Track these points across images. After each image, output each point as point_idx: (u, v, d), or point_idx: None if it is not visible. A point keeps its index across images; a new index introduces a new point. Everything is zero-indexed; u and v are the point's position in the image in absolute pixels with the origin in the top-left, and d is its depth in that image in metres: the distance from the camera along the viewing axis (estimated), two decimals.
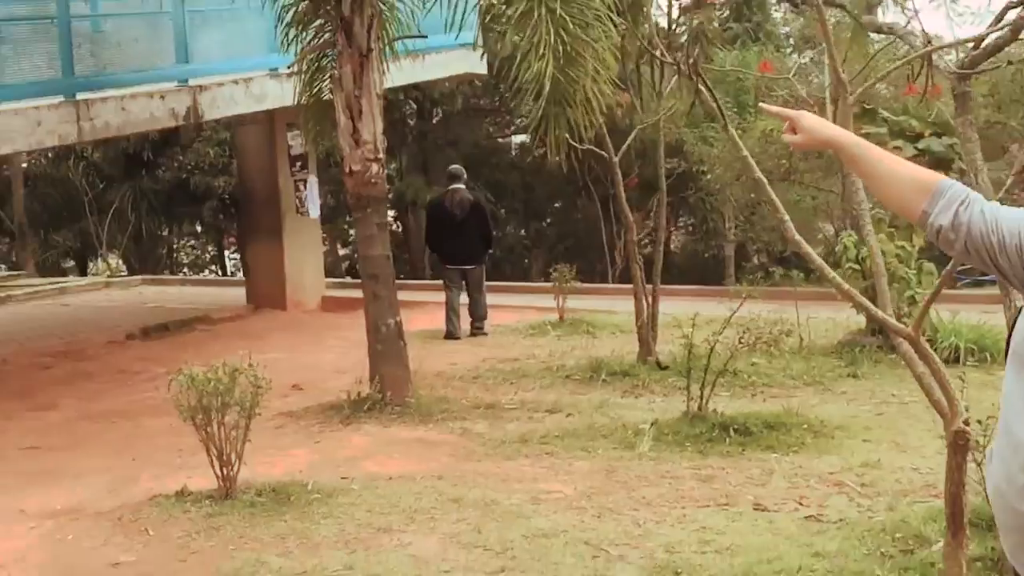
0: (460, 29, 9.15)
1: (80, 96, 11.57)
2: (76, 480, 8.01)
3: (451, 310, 13.69)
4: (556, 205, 28.12)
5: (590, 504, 6.86)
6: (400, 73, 12.70)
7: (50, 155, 27.00)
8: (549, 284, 14.64)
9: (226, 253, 31.11)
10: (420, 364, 10.95)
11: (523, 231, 28.76)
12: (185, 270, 30.55)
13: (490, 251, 14.84)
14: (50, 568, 6.19)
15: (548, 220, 28.58)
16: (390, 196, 26.22)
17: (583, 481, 7.36)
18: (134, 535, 6.61)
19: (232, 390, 6.98)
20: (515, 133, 27.96)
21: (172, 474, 7.59)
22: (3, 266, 28.39)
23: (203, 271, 30.86)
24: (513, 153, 28.07)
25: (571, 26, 7.95)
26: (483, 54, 11.15)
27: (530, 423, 9.06)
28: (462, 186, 14.02)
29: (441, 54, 15.45)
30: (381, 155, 9.82)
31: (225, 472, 7.08)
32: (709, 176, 18.62)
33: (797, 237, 4.04)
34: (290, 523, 6.65)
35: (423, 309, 15.05)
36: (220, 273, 30.03)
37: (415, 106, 26.66)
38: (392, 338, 9.83)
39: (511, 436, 8.64)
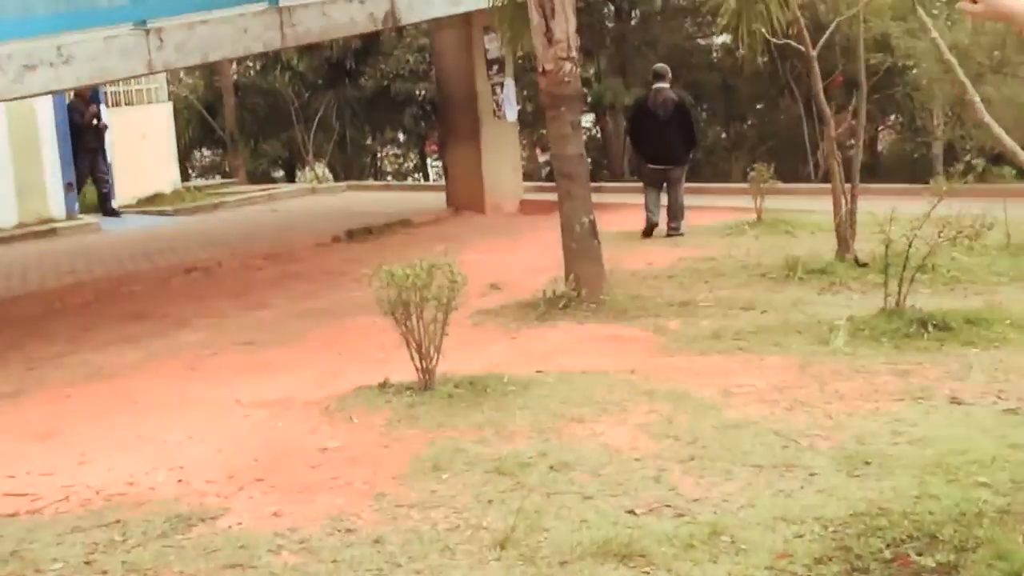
0: None
1: (283, 3, 11.90)
2: (287, 373, 8.41)
3: (649, 204, 13.74)
4: (758, 106, 27.60)
5: (782, 397, 6.87)
6: None
7: (258, 66, 27.82)
8: (747, 185, 14.43)
9: (428, 160, 31.59)
10: (616, 264, 11.03)
11: (723, 133, 28.37)
12: (389, 177, 31.16)
13: (692, 152, 14.71)
14: (264, 453, 6.53)
15: (749, 121, 28.10)
16: (588, 100, 26.24)
17: (775, 375, 7.36)
18: (340, 423, 6.93)
19: (429, 285, 7.18)
20: (716, 34, 27.42)
21: (375, 367, 7.87)
22: (217, 175, 29.47)
23: (406, 178, 31.41)
24: (714, 54, 27.58)
25: None
26: None
27: (724, 320, 9.06)
28: (666, 85, 13.94)
29: None
30: (574, 53, 9.84)
31: (424, 365, 7.31)
32: (915, 71, 17.98)
33: (988, 119, 3.94)
34: (486, 413, 6.85)
35: (621, 211, 15.09)
36: (423, 180, 30.54)
37: (613, 8, 26.44)
38: (586, 236, 9.93)
39: (704, 332, 8.67)
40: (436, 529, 5.16)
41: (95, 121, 18.85)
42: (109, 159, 19.43)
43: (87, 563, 5.07)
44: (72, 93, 17.80)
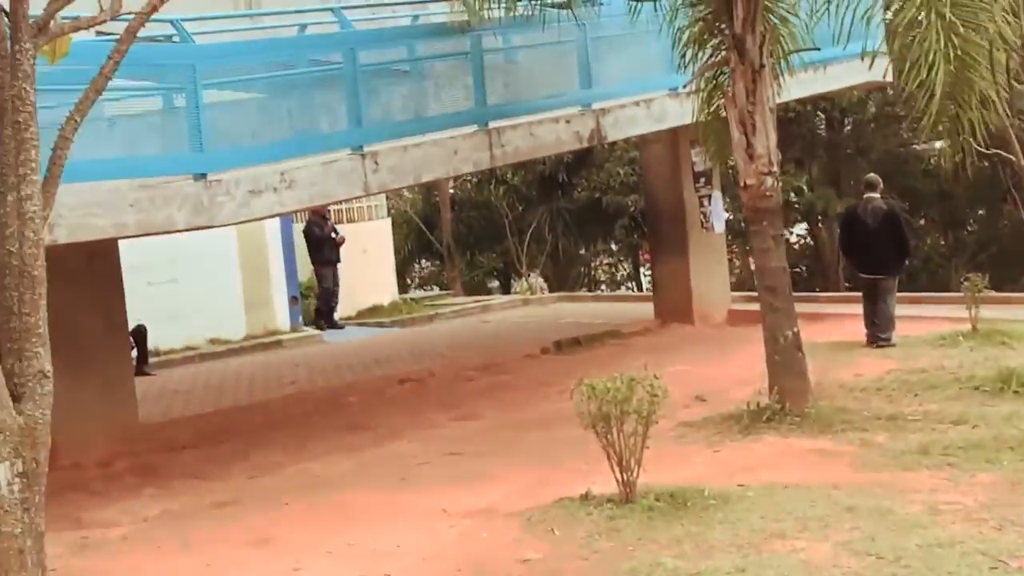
0: (849, 40, 9.14)
1: (492, 124, 12.37)
2: (492, 483, 8.61)
3: (867, 313, 13.59)
4: (979, 212, 26.91)
5: (991, 515, 6.70)
6: (799, 86, 12.74)
7: (473, 180, 28.64)
8: (960, 294, 14.08)
9: (641, 270, 31.77)
10: (823, 375, 10.94)
11: (942, 240, 27.70)
12: (602, 287, 31.44)
13: (906, 262, 14.48)
14: (466, 563, 6.71)
15: (968, 228, 27.39)
16: (799, 209, 26.08)
17: (985, 493, 7.18)
18: (541, 535, 7.05)
19: (630, 399, 7.29)
20: (932, 139, 26.88)
21: (578, 479, 7.98)
22: (435, 286, 30.27)
23: (619, 288, 31.62)
24: (931, 160, 27.05)
25: (962, 29, 7.82)
26: (872, 61, 10.90)
27: (933, 434, 8.87)
28: (876, 195, 13.82)
29: (842, 64, 15.24)
30: (775, 168, 9.94)
31: (625, 477, 7.41)
32: None
33: None
34: (686, 527, 6.89)
35: (833, 321, 14.95)
36: (636, 289, 30.71)
37: (824, 117, 26.32)
38: (790, 349, 9.91)
39: (912, 447, 8.50)
40: None
41: (333, 235, 19.77)
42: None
43: None
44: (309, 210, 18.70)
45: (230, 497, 9.15)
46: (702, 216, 16.70)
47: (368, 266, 21.47)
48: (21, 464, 5.09)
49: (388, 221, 23.41)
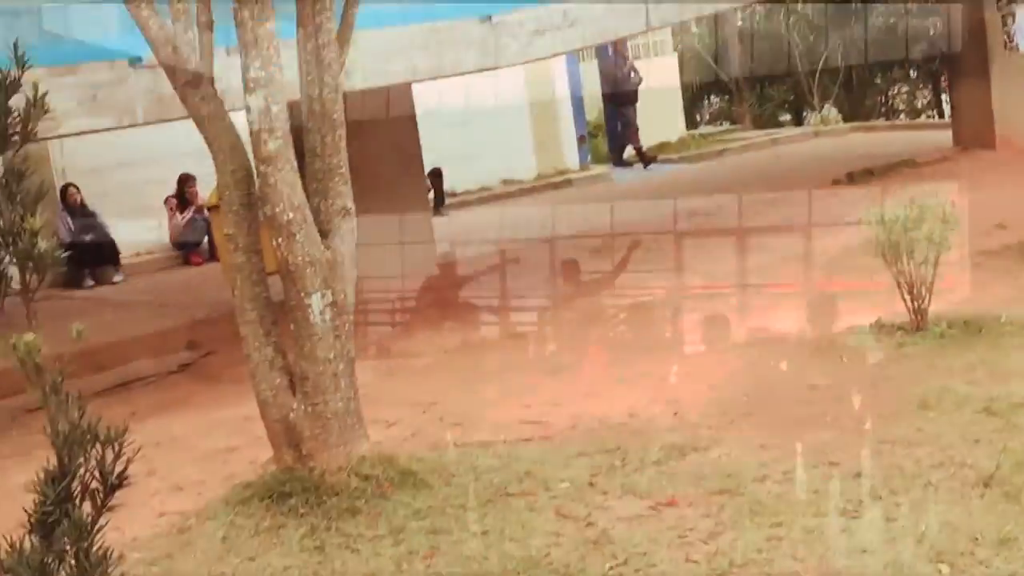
0: None
1: None
2: (780, 313, 8.68)
3: None
4: None
5: None
6: None
7: (762, 12, 27.90)
8: None
9: (942, 96, 30.38)
10: None
11: None
12: (901, 116, 30.30)
13: None
14: (754, 389, 6.85)
15: None
16: None
17: None
18: (830, 362, 7.12)
19: (919, 226, 7.17)
20: None
21: (867, 308, 7.92)
22: (725, 121, 29.87)
23: (919, 116, 30.39)
24: None
25: None
26: None
27: None
28: None
29: None
30: None
31: (916, 305, 7.33)
32: None
33: None
34: (979, 353, 6.79)
35: None
36: (937, 117, 29.46)
37: None
38: None
39: None
40: (919, 465, 5.25)
41: (632, 74, 19.79)
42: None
43: (590, 484, 5.58)
44: (611, 47, 18.72)
45: (524, 330, 9.53)
46: (1005, 36, 15.80)
47: (656, 103, 21.37)
48: (331, 295, 5.50)
49: (675, 57, 23.19)
